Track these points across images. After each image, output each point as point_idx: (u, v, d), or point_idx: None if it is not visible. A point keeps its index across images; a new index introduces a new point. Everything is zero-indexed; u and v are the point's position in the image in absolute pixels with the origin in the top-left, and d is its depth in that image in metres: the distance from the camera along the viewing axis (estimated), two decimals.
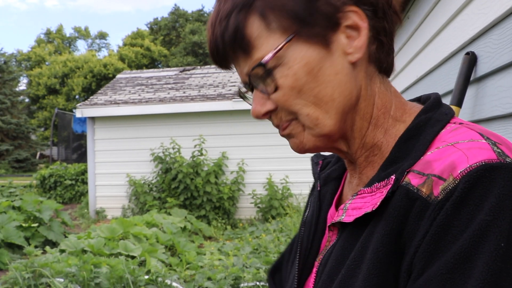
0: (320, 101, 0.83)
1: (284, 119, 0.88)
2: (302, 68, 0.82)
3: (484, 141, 0.73)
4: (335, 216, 0.89)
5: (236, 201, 11.08)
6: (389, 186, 0.78)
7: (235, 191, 10.97)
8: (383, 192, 0.79)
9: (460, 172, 0.70)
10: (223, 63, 0.90)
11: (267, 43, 0.82)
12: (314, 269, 0.94)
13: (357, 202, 0.83)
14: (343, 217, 0.85)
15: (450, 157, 0.73)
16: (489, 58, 2.02)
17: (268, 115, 0.88)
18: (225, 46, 0.85)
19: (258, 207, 10.80)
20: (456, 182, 0.69)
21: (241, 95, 0.96)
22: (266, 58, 0.82)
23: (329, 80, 0.83)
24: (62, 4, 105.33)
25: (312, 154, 1.07)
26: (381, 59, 0.88)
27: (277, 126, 0.90)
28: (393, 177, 0.78)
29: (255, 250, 7.54)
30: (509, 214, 0.66)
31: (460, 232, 0.67)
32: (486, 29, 2.04)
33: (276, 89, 0.84)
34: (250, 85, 0.88)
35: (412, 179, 0.76)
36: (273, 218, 10.31)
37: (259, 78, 0.85)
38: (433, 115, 0.85)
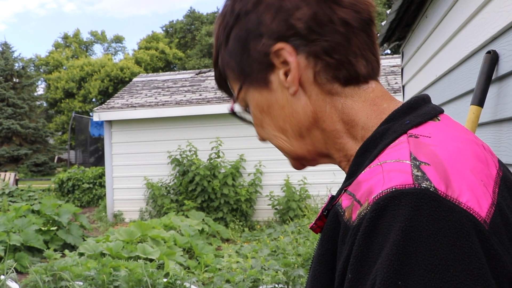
0: (278, 133, 0.93)
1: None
2: (255, 108, 0.94)
3: (408, 162, 0.69)
4: None
5: (253, 203, 11.07)
6: (325, 205, 0.83)
7: (253, 193, 10.96)
8: (321, 209, 0.83)
9: (374, 197, 0.67)
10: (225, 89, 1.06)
11: (234, 91, 0.97)
12: None
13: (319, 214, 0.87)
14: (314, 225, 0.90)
15: (373, 179, 0.71)
16: (511, 56, 1.98)
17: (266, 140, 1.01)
18: (221, 87, 1.02)
19: (276, 208, 10.78)
20: (368, 208, 0.67)
21: (236, 114, 1.07)
22: (230, 107, 0.97)
23: (278, 114, 0.91)
24: (80, 8, 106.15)
25: None
26: (334, 75, 0.86)
27: None
28: (329, 194, 0.83)
29: (273, 252, 7.52)
30: (412, 246, 0.62)
31: (372, 263, 0.64)
32: (508, 27, 2.00)
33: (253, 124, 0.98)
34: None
35: (344, 200, 0.76)
36: (291, 219, 10.29)
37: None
38: (393, 125, 0.81)
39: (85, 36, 53.62)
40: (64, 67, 45.26)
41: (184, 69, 41.81)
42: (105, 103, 12.75)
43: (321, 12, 0.84)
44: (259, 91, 0.91)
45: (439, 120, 0.81)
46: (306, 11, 0.84)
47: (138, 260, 6.39)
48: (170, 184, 11.42)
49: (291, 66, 0.86)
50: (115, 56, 53.49)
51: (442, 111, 0.84)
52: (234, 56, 0.91)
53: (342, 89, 0.87)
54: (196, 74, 14.88)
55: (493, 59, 2.14)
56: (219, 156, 11.01)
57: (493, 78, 2.17)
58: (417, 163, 0.69)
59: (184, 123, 11.57)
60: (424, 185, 0.65)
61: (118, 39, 54.41)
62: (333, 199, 0.80)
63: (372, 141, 0.81)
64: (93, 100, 40.57)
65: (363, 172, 0.75)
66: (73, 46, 50.03)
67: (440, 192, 0.65)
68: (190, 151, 11.16)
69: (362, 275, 0.65)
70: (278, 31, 0.85)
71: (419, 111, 0.82)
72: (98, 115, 11.89)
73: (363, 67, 0.87)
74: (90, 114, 33.91)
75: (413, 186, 0.65)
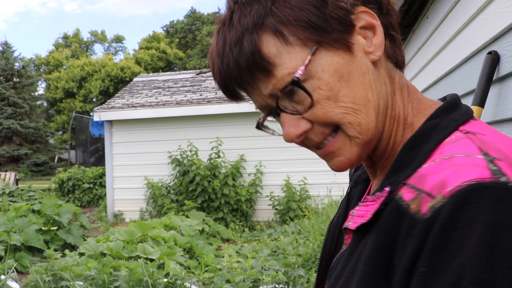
0: (358, 105, 0.81)
1: (325, 132, 0.84)
2: (332, 76, 0.80)
3: (481, 157, 0.70)
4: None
5: (253, 203, 11.07)
6: (383, 198, 0.78)
7: (253, 193, 10.96)
8: (378, 203, 0.79)
9: (449, 190, 0.67)
10: (236, 92, 0.87)
11: (289, 59, 0.80)
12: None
13: (362, 210, 0.83)
14: (350, 223, 0.85)
15: (443, 173, 0.70)
16: None
17: (303, 136, 0.85)
18: (241, 71, 0.82)
19: (276, 209, 10.78)
20: (444, 201, 0.67)
21: (260, 126, 0.91)
22: (298, 73, 0.79)
23: (360, 82, 0.81)
24: (81, 8, 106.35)
25: None
26: (395, 53, 0.88)
27: (316, 145, 0.86)
28: (387, 189, 0.78)
29: (274, 252, 7.52)
30: (498, 239, 0.62)
31: (453, 256, 0.64)
32: (509, 28, 2.00)
33: (311, 105, 0.81)
34: (276, 108, 0.84)
35: (405, 194, 0.74)
36: (291, 220, 10.28)
37: (287, 98, 0.83)
38: (441, 121, 0.81)
39: (85, 35, 53.62)
40: (64, 67, 45.28)
41: (185, 69, 41.82)
42: (106, 103, 12.75)
43: None
44: (338, 54, 0.80)
45: (476, 119, 0.82)
46: None
47: (139, 260, 6.38)
48: (170, 184, 11.42)
49: (377, 30, 0.82)
50: (115, 56, 53.52)
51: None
52: (309, 9, 0.79)
53: (395, 70, 0.88)
54: (197, 74, 14.88)
55: (494, 59, 2.14)
56: (219, 156, 11.01)
57: (494, 78, 2.17)
58: (490, 158, 0.69)
59: (185, 123, 11.57)
60: (503, 179, 0.66)
61: (119, 39, 54.43)
62: (391, 193, 0.77)
63: (421, 136, 0.80)
64: (94, 100, 40.61)
65: (425, 166, 0.74)
66: (73, 46, 50.04)
67: None
68: (190, 151, 11.16)
69: (439, 268, 0.65)
70: None
71: (460, 109, 0.83)
72: (99, 115, 11.89)
73: (403, 53, 0.90)
74: (91, 114, 33.91)
75: (492, 180, 0.66)
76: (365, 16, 0.82)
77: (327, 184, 10.39)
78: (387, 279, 0.72)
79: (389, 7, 0.86)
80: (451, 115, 0.81)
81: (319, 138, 0.85)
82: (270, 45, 0.80)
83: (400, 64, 0.89)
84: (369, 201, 0.81)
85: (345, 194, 1.08)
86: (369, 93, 0.81)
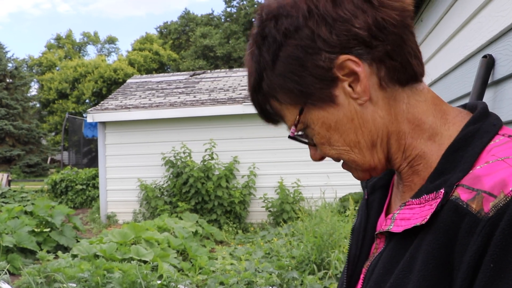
0: (350, 147, 0.90)
1: (335, 160, 0.96)
2: (321, 127, 0.90)
3: None
4: (383, 224, 0.91)
5: (247, 205, 11.06)
6: (439, 200, 0.79)
7: (246, 195, 10.95)
8: (432, 205, 0.80)
9: None
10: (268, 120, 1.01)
11: (289, 114, 0.92)
12: (362, 276, 0.97)
13: (406, 213, 0.85)
14: (391, 226, 0.87)
15: (501, 173, 0.73)
16: (507, 61, 1.99)
17: (323, 158, 0.98)
18: (261, 114, 0.98)
19: (270, 211, 10.78)
20: (508, 199, 0.70)
21: (296, 138, 1.02)
22: (291, 132, 0.93)
23: (348, 127, 0.88)
24: (75, 9, 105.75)
25: None
26: (397, 77, 0.87)
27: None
28: (442, 190, 0.80)
29: (267, 254, 7.52)
30: None
31: None
32: (504, 31, 2.01)
33: (315, 145, 0.95)
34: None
35: (462, 194, 0.76)
36: (285, 222, 10.28)
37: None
38: (481, 125, 0.84)
39: (77, 37, 53.43)
40: (57, 68, 45.09)
41: (178, 70, 41.73)
42: (99, 104, 12.72)
43: (378, 16, 0.84)
44: (323, 109, 0.88)
45: (504, 125, 0.87)
46: (365, 18, 0.83)
47: (132, 262, 6.37)
48: (163, 186, 11.40)
49: (360, 76, 0.84)
50: (108, 57, 53.35)
51: None
52: (290, 77, 0.87)
53: (402, 90, 0.88)
54: (191, 76, 14.87)
55: (489, 63, 2.15)
56: (212, 158, 11.00)
57: (489, 82, 2.18)
58: None
59: (178, 124, 11.56)
60: None
61: (111, 40, 54.26)
62: (446, 195, 0.80)
63: (464, 140, 0.84)
64: (87, 101, 40.42)
65: (479, 167, 0.78)
66: (66, 47, 49.84)
67: None
68: (184, 152, 11.14)
69: (508, 262, 0.68)
70: (340, 43, 0.83)
71: (493, 115, 0.88)
72: (92, 116, 11.86)
73: (417, 65, 0.89)
74: (84, 115, 33.79)
75: None
76: (348, 64, 0.84)
77: (320, 186, 10.40)
78: (447, 277, 0.75)
79: (385, 31, 0.84)
80: (488, 120, 0.85)
81: (334, 160, 0.97)
82: (274, 103, 0.93)
83: (411, 80, 0.88)
84: (415, 204, 0.84)
85: (362, 201, 1.11)
86: (359, 135, 0.89)
